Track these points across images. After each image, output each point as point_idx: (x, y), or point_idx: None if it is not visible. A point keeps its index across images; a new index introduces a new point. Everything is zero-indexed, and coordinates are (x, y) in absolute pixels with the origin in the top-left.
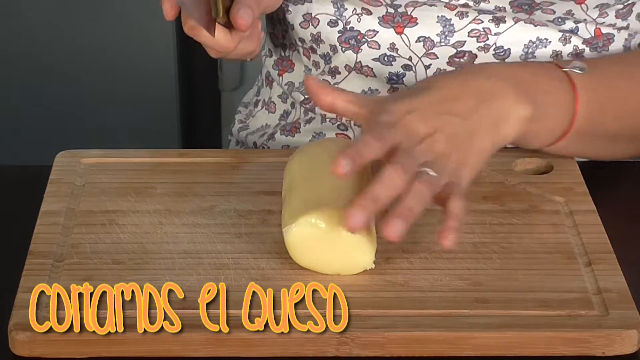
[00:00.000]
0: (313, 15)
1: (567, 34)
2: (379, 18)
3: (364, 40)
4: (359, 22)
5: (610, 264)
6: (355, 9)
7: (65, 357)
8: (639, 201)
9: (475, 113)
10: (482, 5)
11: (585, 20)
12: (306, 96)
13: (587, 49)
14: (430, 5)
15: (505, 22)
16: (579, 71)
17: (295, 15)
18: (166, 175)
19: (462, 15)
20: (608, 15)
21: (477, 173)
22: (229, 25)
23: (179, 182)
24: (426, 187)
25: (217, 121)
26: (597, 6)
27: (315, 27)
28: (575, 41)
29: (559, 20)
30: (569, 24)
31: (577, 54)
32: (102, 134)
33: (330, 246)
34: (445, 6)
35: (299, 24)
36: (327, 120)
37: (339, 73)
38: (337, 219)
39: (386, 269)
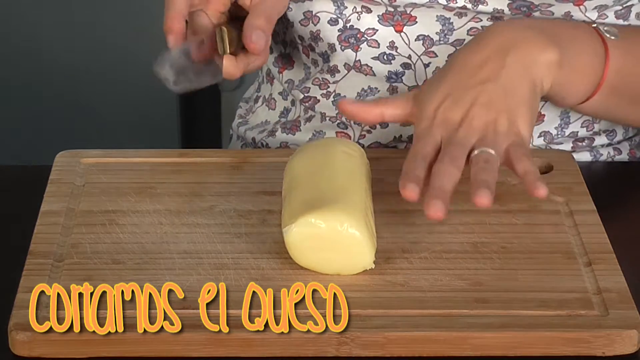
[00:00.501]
0: (314, 13)
1: None
2: (378, 16)
3: (363, 38)
4: (358, 20)
5: (610, 264)
6: (355, 7)
7: (65, 357)
8: (638, 202)
9: (502, 69)
10: (481, 7)
11: (584, 22)
12: (306, 94)
13: None
14: (429, 7)
15: (503, 20)
16: (611, 36)
17: (296, 12)
18: (166, 175)
19: (460, 15)
20: (607, 16)
21: (533, 119)
22: (236, 53)
23: (179, 182)
24: (488, 163)
25: (217, 121)
26: (595, 7)
27: (315, 25)
28: None
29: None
30: None
31: None
32: (102, 134)
33: (330, 246)
34: (444, 8)
35: (299, 22)
36: (327, 118)
37: (338, 72)
38: (337, 219)
39: (386, 269)
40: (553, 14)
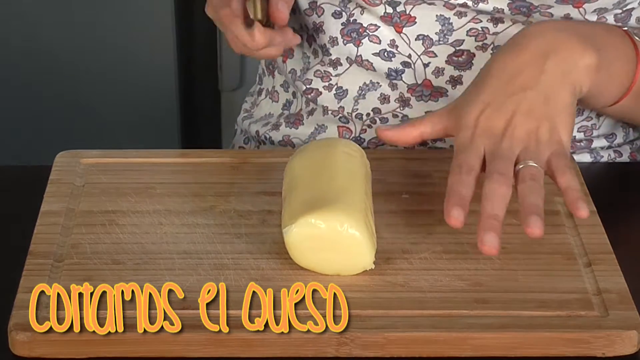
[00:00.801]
0: (318, 4)
1: None
2: (378, 16)
3: (365, 34)
4: (361, 14)
5: (610, 265)
6: (357, 2)
7: (65, 357)
8: (639, 202)
9: (541, 74)
10: (481, 5)
11: (615, 25)
12: (308, 86)
13: None
14: (430, 4)
15: (503, 22)
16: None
17: (302, 1)
18: (166, 175)
19: (460, 14)
20: (607, 19)
21: (573, 125)
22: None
23: (179, 183)
24: (534, 179)
25: (217, 121)
26: (595, 10)
27: (319, 17)
28: None
29: None
30: None
31: None
32: (102, 134)
33: (330, 246)
34: (444, 5)
35: (304, 11)
36: (329, 112)
37: (341, 65)
38: (337, 220)
39: (386, 270)
40: (552, 15)
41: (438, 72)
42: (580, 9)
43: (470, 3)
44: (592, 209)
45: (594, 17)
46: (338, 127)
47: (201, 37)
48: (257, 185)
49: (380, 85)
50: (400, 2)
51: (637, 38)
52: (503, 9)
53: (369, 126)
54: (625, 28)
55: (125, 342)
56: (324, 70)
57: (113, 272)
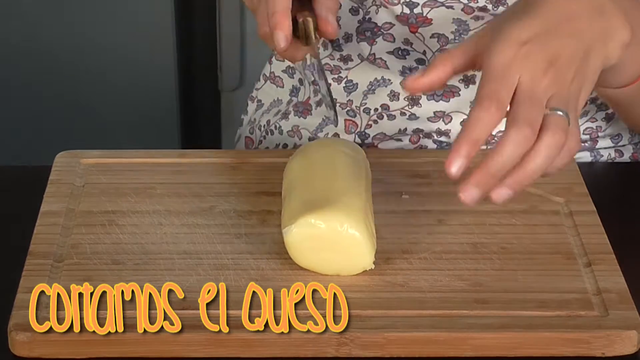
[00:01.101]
0: None
1: None
2: (394, 15)
3: (379, 32)
4: (376, 13)
5: (610, 265)
6: (374, 0)
7: (65, 357)
8: (638, 201)
9: (589, 31)
10: (501, 9)
11: None
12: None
13: None
14: (448, 7)
15: None
16: None
17: None
18: (166, 175)
19: (477, 18)
20: None
21: (588, 97)
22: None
23: (179, 183)
24: (558, 136)
25: (217, 121)
26: None
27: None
28: None
29: None
30: None
31: None
32: (102, 134)
33: (330, 247)
34: (462, 9)
35: None
36: (337, 105)
37: (352, 60)
38: (337, 220)
39: (386, 270)
40: None
41: None
42: None
43: (489, 6)
44: (592, 209)
45: None
46: (345, 120)
47: (201, 37)
48: (257, 185)
49: (392, 82)
50: (418, 4)
51: None
52: None
53: (375, 122)
54: None
55: (125, 342)
56: (334, 65)
57: (113, 272)
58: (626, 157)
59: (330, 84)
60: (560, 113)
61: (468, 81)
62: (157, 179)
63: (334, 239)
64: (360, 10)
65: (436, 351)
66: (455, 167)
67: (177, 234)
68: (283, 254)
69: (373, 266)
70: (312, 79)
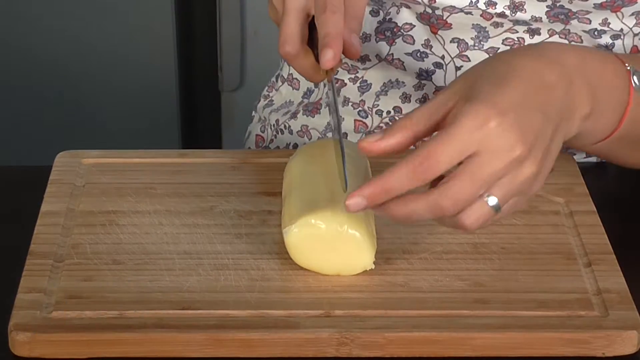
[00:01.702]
0: None
1: (602, 50)
2: (417, 13)
3: (399, 33)
4: (397, 14)
5: (610, 265)
6: (394, 1)
7: (65, 357)
8: (638, 202)
9: (558, 106)
10: (519, 15)
11: (621, 30)
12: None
13: None
14: (467, 13)
15: (540, 34)
16: (637, 88)
17: None
18: (166, 175)
19: (497, 25)
20: None
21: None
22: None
23: (179, 183)
24: (470, 222)
25: (217, 121)
26: (633, 14)
27: None
28: None
29: (595, 32)
30: (605, 39)
31: None
32: (102, 134)
33: (330, 247)
34: (481, 15)
35: None
36: (350, 104)
37: (369, 60)
38: (337, 220)
39: (386, 270)
40: (590, 21)
41: (508, 52)
42: (618, 13)
43: (507, 12)
44: (592, 209)
45: (632, 21)
46: (355, 120)
47: (201, 37)
48: (257, 185)
49: (405, 85)
50: (438, 8)
51: (635, 83)
52: (541, 17)
53: (387, 124)
54: (630, 68)
55: (125, 342)
56: (351, 64)
57: (113, 272)
58: None
59: (342, 118)
60: (493, 204)
61: None
62: (158, 179)
63: (334, 239)
64: (381, 11)
65: (436, 351)
66: (352, 204)
67: (178, 234)
68: (283, 254)
69: (373, 266)
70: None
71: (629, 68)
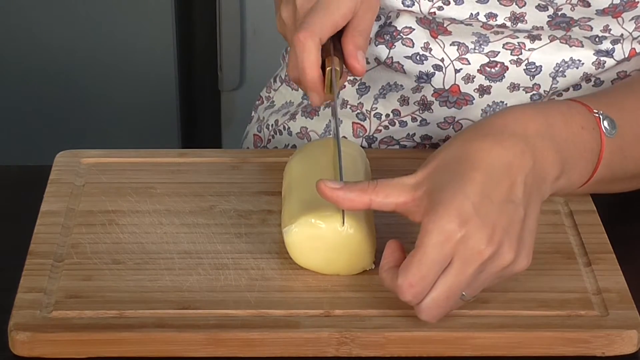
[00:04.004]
0: None
1: (602, 58)
2: (417, 17)
3: (399, 37)
4: (397, 17)
5: (610, 264)
6: (394, 6)
7: (65, 357)
8: (638, 201)
9: (525, 182)
10: (520, 25)
11: (622, 36)
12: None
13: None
14: (467, 25)
15: (540, 39)
16: (607, 134)
17: None
18: (166, 175)
19: (497, 33)
20: None
21: (531, 252)
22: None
23: (179, 182)
24: (439, 310)
25: (217, 121)
26: (632, 19)
27: None
28: (609, 63)
29: (597, 39)
30: (606, 44)
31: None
32: (102, 134)
33: (330, 246)
34: (481, 26)
35: None
36: (348, 106)
37: (368, 63)
38: (336, 220)
39: None
40: (592, 28)
41: (468, 78)
42: (619, 19)
43: (508, 23)
44: (592, 209)
45: (631, 26)
46: (353, 123)
47: (201, 37)
48: (257, 185)
49: (403, 88)
50: (439, 18)
51: (606, 131)
52: (542, 27)
53: (386, 127)
54: (599, 114)
55: (125, 341)
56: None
57: (113, 272)
58: None
59: (341, 121)
60: (467, 298)
61: (483, 91)
62: (157, 178)
63: (334, 239)
64: (382, 16)
65: (436, 351)
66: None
67: (177, 233)
68: (283, 253)
69: (373, 266)
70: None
71: (597, 115)
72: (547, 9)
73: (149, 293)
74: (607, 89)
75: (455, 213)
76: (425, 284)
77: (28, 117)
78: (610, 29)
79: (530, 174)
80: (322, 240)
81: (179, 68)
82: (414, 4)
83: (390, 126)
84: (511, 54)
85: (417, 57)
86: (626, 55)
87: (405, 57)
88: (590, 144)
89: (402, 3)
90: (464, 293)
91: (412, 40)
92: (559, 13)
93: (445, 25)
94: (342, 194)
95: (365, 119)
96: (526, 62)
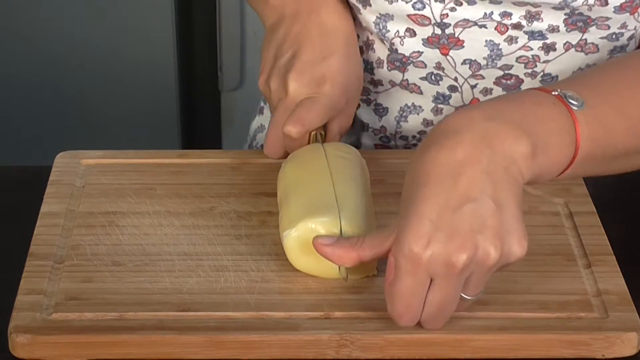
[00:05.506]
0: (363, 25)
1: (615, 55)
2: (422, 39)
3: (409, 62)
4: (402, 45)
5: (610, 266)
6: (397, 30)
7: (64, 359)
8: (638, 202)
9: (485, 176)
10: (535, 24)
11: (635, 29)
12: None
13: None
14: (481, 27)
15: (555, 50)
16: (575, 107)
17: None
18: (166, 176)
19: (511, 40)
20: None
21: (526, 234)
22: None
23: (179, 184)
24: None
25: (217, 121)
26: None
27: (371, 35)
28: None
29: (613, 36)
30: (622, 41)
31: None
32: (102, 134)
33: None
34: (496, 28)
35: (359, 23)
36: (369, 129)
37: (382, 85)
38: (335, 224)
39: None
40: (609, 27)
41: (486, 91)
42: (635, 14)
43: (524, 22)
44: (592, 210)
45: None
46: (375, 145)
47: (201, 37)
48: (257, 186)
49: (423, 110)
50: (450, 25)
51: (572, 105)
52: (558, 26)
53: (414, 145)
54: (557, 92)
55: (125, 344)
56: (364, 87)
57: (113, 273)
58: None
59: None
60: (471, 297)
61: None
62: (157, 179)
63: None
64: (384, 42)
65: (436, 353)
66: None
67: (177, 235)
68: (283, 255)
69: (376, 272)
70: None
71: (556, 93)
72: (564, 9)
73: (149, 295)
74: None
75: (416, 236)
76: (414, 309)
77: (28, 118)
78: (627, 26)
79: (491, 162)
80: None
81: (179, 68)
82: (424, 7)
83: (419, 144)
84: (525, 67)
85: (432, 77)
86: (635, 46)
87: (420, 78)
88: (555, 117)
89: (413, 7)
90: (463, 295)
91: (423, 62)
92: (576, 12)
93: (456, 35)
94: (330, 250)
95: (389, 141)
96: (541, 74)
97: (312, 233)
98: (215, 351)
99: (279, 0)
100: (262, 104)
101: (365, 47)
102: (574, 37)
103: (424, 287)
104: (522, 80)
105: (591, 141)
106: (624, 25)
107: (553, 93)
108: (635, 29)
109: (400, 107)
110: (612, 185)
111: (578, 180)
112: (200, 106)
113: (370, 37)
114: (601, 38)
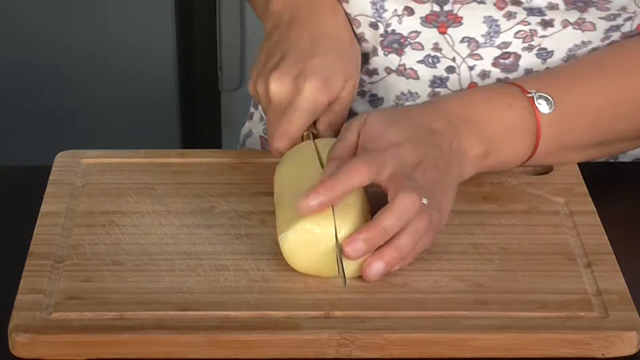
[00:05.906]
0: (353, 16)
1: (610, 33)
2: (421, 18)
3: (407, 42)
4: (400, 24)
5: (610, 265)
6: (395, 9)
7: (65, 358)
8: (638, 201)
9: (447, 146)
10: (535, 1)
11: (634, 12)
12: None
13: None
14: (479, 3)
15: (553, 26)
16: (546, 110)
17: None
18: (166, 175)
19: (509, 16)
20: None
21: (447, 213)
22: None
23: (179, 183)
24: (427, 222)
25: (217, 121)
26: None
27: (357, 28)
28: (614, 37)
29: (611, 17)
30: (619, 21)
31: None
32: (102, 134)
33: (326, 251)
34: (494, 4)
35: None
36: None
37: (377, 74)
38: (331, 224)
39: None
40: (609, 9)
41: (484, 75)
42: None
43: None
44: (592, 209)
45: None
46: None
47: (201, 37)
48: (257, 185)
49: (420, 96)
50: (448, 1)
51: (541, 110)
52: (558, 4)
53: None
54: (531, 94)
55: (125, 343)
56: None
57: (113, 273)
58: (626, 157)
59: None
60: (425, 201)
61: None
62: (157, 179)
63: (330, 243)
64: (379, 24)
65: (436, 352)
66: (351, 250)
67: (177, 234)
68: (283, 254)
69: None
70: None
71: (530, 95)
72: None
73: (149, 294)
74: (550, 69)
75: (388, 135)
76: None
77: (28, 117)
78: (627, 8)
79: (452, 147)
80: (318, 245)
81: (179, 68)
82: None
83: None
84: (523, 42)
85: (429, 60)
86: (632, 29)
87: (417, 61)
88: (519, 122)
89: None
90: (424, 200)
91: (420, 43)
92: None
93: (455, 12)
94: (315, 200)
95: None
96: (537, 47)
97: (309, 234)
98: (215, 350)
99: (278, 7)
100: (252, 110)
101: (358, 40)
102: (573, 15)
103: (391, 165)
104: (520, 56)
105: (552, 139)
106: (623, 8)
107: (528, 95)
108: (634, 12)
109: (396, 96)
110: (612, 185)
111: (578, 180)
112: (200, 106)
113: (359, 31)
114: (600, 18)
